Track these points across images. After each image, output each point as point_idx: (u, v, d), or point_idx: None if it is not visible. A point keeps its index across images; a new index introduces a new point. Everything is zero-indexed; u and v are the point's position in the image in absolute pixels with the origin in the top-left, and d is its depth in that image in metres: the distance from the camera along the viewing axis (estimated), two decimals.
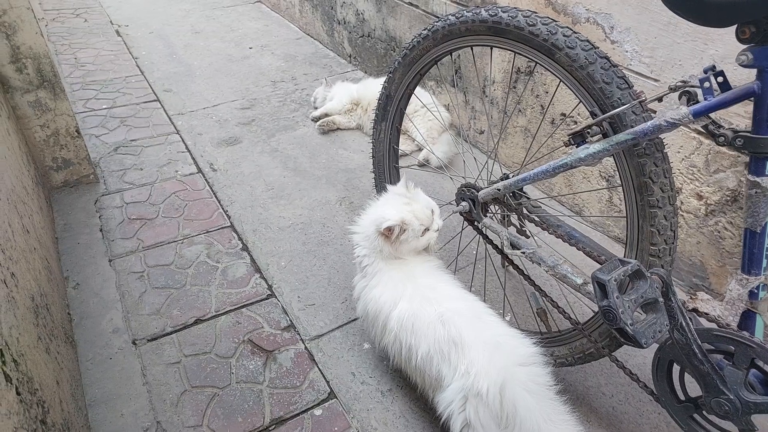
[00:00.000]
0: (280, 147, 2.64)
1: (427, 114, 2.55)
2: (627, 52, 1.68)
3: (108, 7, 4.59)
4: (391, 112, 1.63)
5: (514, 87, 2.20)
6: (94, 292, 1.79)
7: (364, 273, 1.33)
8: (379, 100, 1.64)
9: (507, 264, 1.42)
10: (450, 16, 1.31)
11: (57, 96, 2.07)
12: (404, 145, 2.55)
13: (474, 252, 1.94)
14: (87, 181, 2.29)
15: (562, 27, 1.10)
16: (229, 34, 4.04)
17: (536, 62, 1.16)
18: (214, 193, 2.30)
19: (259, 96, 3.14)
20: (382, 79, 2.78)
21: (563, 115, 2.01)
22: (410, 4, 2.68)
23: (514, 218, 1.39)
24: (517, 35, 1.16)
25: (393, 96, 1.59)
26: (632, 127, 0.98)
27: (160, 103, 3.05)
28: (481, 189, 1.33)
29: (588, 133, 1.05)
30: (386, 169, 1.73)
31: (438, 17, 2.50)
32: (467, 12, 1.26)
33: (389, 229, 1.21)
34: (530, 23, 1.13)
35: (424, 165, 2.46)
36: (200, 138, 2.70)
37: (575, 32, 1.09)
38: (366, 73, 3.35)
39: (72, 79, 3.28)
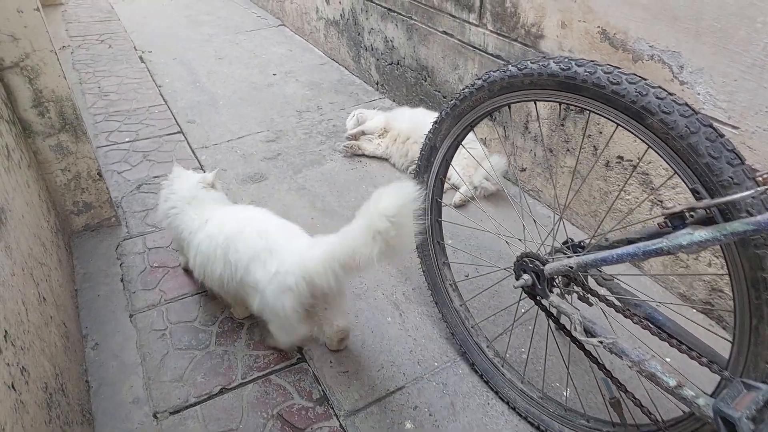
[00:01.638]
0: (308, 184, 2.51)
1: (461, 151, 2.39)
2: (699, 94, 1.51)
3: (132, 32, 4.56)
4: (435, 164, 1.48)
5: (562, 125, 2.04)
6: (114, 354, 1.66)
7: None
8: (422, 150, 1.50)
9: (560, 330, 1.25)
10: (510, 67, 1.16)
11: (79, 139, 1.97)
12: None
13: (524, 308, 1.78)
14: (108, 224, 2.19)
15: (653, 87, 0.94)
16: (253, 59, 3.96)
17: (618, 125, 1.00)
18: None
19: (285, 127, 3.02)
20: (417, 111, 2.68)
21: (620, 158, 1.84)
22: (444, 33, 2.55)
23: (576, 288, 1.22)
24: (595, 93, 1.01)
25: (438, 147, 1.44)
26: (751, 214, 0.82)
27: (183, 135, 2.95)
28: (548, 262, 1.17)
29: (690, 215, 0.88)
30: (427, 222, 1.58)
31: (475, 47, 2.37)
32: (532, 63, 1.11)
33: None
34: (613, 81, 0.97)
35: (462, 205, 2.30)
36: (225, 175, 2.59)
37: (670, 93, 0.93)
38: (394, 101, 3.21)
39: (95, 109, 3.21)
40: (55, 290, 1.52)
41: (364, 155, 2.68)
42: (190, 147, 2.84)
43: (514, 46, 2.14)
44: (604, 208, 1.95)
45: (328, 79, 3.62)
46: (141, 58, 4.01)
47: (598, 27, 1.76)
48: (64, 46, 4.18)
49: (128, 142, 2.88)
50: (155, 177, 2.56)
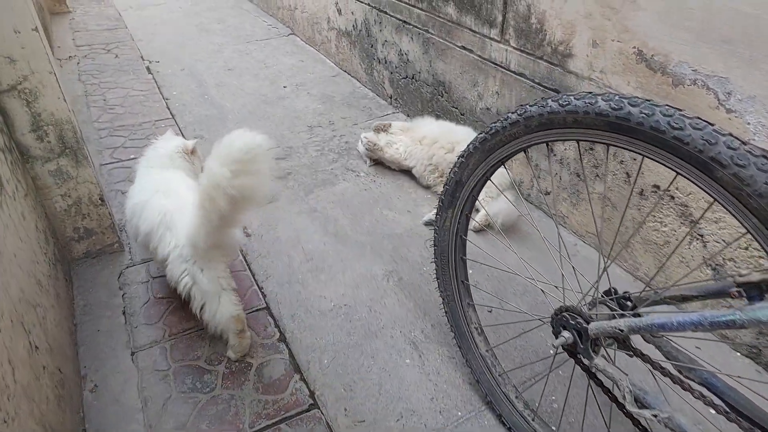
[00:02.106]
0: (320, 206, 2.40)
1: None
2: (749, 124, 1.38)
3: (139, 41, 4.48)
4: (460, 199, 1.36)
5: (591, 148, 1.91)
6: (114, 398, 1.55)
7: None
8: (446, 185, 1.38)
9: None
10: (551, 102, 1.04)
11: (79, 163, 1.87)
12: None
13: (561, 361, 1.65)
14: (111, 250, 2.09)
15: (723, 134, 0.81)
16: (263, 71, 3.86)
17: (679, 173, 0.88)
18: (248, 265, 2.07)
19: (296, 144, 2.92)
20: (439, 123, 2.57)
21: (656, 187, 1.71)
22: (463, 48, 2.43)
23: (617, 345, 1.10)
24: (652, 138, 0.88)
25: (465, 182, 1.32)
26: None
27: None
28: (592, 320, 1.05)
29: None
30: (451, 260, 1.46)
31: (496, 64, 2.25)
32: (576, 99, 0.99)
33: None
34: (675, 125, 0.85)
35: (482, 229, 2.18)
36: None
37: (743, 142, 0.80)
38: (408, 116, 3.10)
39: (100, 124, 3.12)
40: (50, 333, 1.42)
41: (381, 163, 2.58)
42: None
43: (539, 65, 2.01)
44: (651, 251, 1.82)
45: (340, 92, 3.51)
46: (148, 68, 3.93)
47: (634, 48, 1.63)
48: (70, 56, 4.11)
49: (133, 159, 2.78)
50: None
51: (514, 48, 2.12)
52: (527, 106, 1.10)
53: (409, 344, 1.72)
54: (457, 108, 2.62)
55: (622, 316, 1.03)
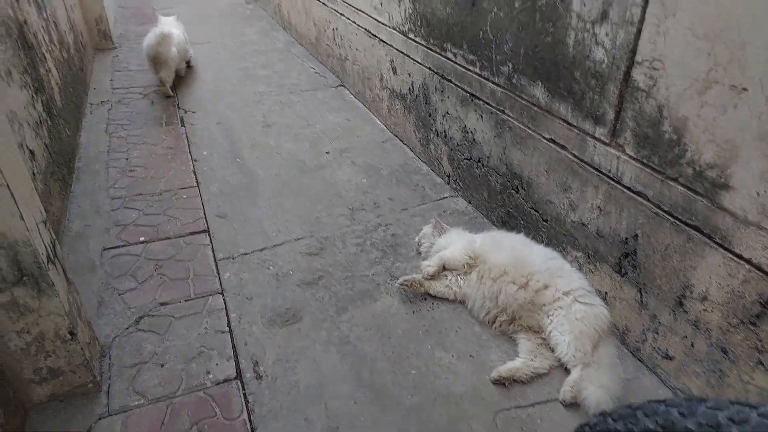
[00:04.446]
0: (353, 335, 1.87)
1: (575, 306, 1.69)
2: None
3: (179, 86, 4.16)
4: None
5: (754, 323, 1.30)
6: None
7: None
8: None
9: None
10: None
11: (43, 292, 1.42)
12: (528, 355, 1.70)
13: None
14: (83, 390, 1.62)
15: None
16: (305, 129, 3.42)
17: None
18: (252, 430, 1.55)
19: (332, 232, 2.42)
20: (517, 239, 2.01)
21: None
22: (552, 141, 1.88)
23: None
24: None
25: None
26: None
27: (209, 236, 2.40)
28: None
29: None
30: None
31: (600, 171, 1.68)
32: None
33: None
34: None
35: (572, 404, 1.58)
36: (249, 306, 2.00)
37: None
38: (470, 203, 2.55)
39: (116, 190, 2.73)
40: None
41: (428, 294, 2.01)
42: (214, 256, 2.28)
43: (673, 189, 1.43)
44: None
45: (390, 163, 3.01)
46: (182, 119, 3.57)
47: None
48: (102, 102, 3.81)
49: (142, 242, 2.35)
50: (162, 305, 2.00)
51: (630, 157, 1.55)
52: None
53: None
54: (537, 211, 2.05)
55: None
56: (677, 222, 1.44)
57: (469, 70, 2.30)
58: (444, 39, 2.43)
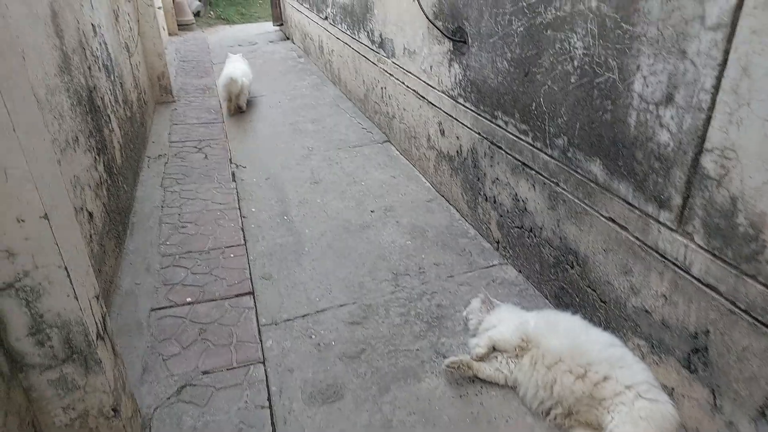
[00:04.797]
0: (396, 419, 1.78)
1: (638, 403, 1.55)
2: None
3: (232, 140, 4.31)
4: None
5: None
6: None
7: None
8: None
9: None
10: None
11: (90, 369, 1.43)
12: None
13: None
14: None
15: None
16: (351, 187, 3.44)
17: None
18: None
19: (375, 299, 2.37)
20: (574, 322, 1.88)
21: None
22: (611, 220, 1.78)
23: None
24: None
25: None
26: None
27: (253, 298, 2.40)
28: None
29: None
30: None
31: (666, 257, 1.57)
32: None
33: None
34: None
35: None
36: (290, 379, 1.95)
37: None
38: (521, 273, 2.45)
39: (167, 247, 2.79)
40: None
41: (477, 377, 1.91)
42: (257, 320, 2.26)
43: (749, 286, 1.31)
44: None
45: (435, 225, 2.96)
46: (233, 174, 3.67)
47: None
48: (160, 155, 3.98)
49: (189, 303, 2.37)
50: (204, 374, 1.98)
51: (700, 247, 1.44)
52: None
53: None
54: (594, 291, 1.94)
55: None
56: (756, 323, 1.31)
57: (520, 139, 2.25)
58: (495, 106, 2.40)
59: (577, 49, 1.81)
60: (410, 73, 3.36)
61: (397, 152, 3.92)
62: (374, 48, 4.00)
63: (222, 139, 4.33)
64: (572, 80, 1.86)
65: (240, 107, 4.83)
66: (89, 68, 2.70)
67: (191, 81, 6.02)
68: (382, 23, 3.71)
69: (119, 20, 3.85)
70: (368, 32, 4.07)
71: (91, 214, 2.27)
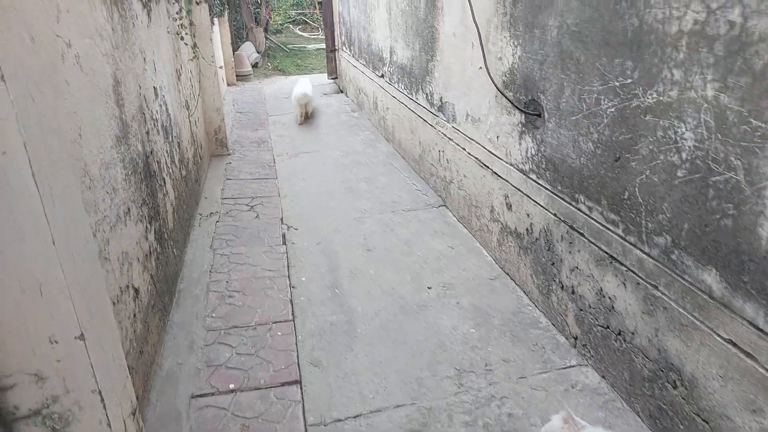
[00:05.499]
0: None
1: None
2: None
3: (284, 197, 4.23)
4: None
5: None
6: None
7: None
8: None
9: None
10: None
11: None
12: None
13: None
14: None
15: None
16: (405, 257, 3.23)
17: None
18: None
19: (436, 401, 2.10)
20: None
21: None
22: (731, 343, 1.48)
23: None
24: None
25: None
26: None
27: (300, 389, 2.18)
28: None
29: None
30: None
31: None
32: None
33: None
34: None
35: None
36: None
37: None
38: (605, 379, 2.14)
39: (213, 319, 2.64)
40: None
41: None
42: (304, 419, 2.03)
43: None
44: None
45: (501, 309, 2.69)
46: (284, 236, 3.54)
47: None
48: (211, 213, 3.92)
49: (232, 392, 2.18)
50: None
51: None
52: None
53: None
54: (707, 422, 1.61)
55: None
56: None
57: (608, 228, 2.00)
58: (576, 189, 2.17)
59: (685, 140, 1.57)
60: (472, 139, 3.18)
61: (455, 219, 3.71)
62: (433, 110, 3.87)
63: (274, 196, 4.26)
64: (679, 174, 1.61)
65: (308, 114, 6.46)
66: (147, 133, 2.65)
67: (246, 133, 6.08)
68: (443, 87, 3.58)
69: (181, 79, 3.89)
70: (427, 94, 3.95)
71: (137, 291, 2.15)
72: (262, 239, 3.53)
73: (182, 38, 3.89)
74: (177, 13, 3.80)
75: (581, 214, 2.16)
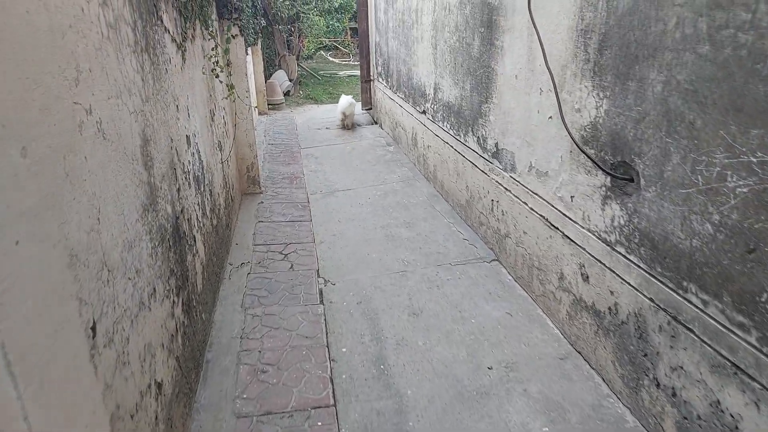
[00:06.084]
0: None
1: None
2: None
3: (320, 243, 3.93)
4: None
5: None
6: None
7: None
8: None
9: None
10: None
11: None
12: None
13: None
14: None
15: None
16: (458, 325, 2.87)
17: None
18: None
19: None
20: None
21: None
22: None
23: None
24: None
25: None
26: None
27: None
28: None
29: None
30: None
31: None
32: None
33: None
34: None
35: None
36: None
37: None
38: None
39: (243, 402, 2.32)
40: None
41: None
42: None
43: None
44: None
45: (577, 401, 2.30)
46: (321, 292, 3.23)
47: None
48: (242, 263, 3.64)
49: None
50: None
51: None
52: None
53: None
54: None
55: None
56: None
57: (731, 331, 1.61)
58: (684, 275, 1.79)
59: None
60: (536, 194, 2.83)
61: (511, 278, 3.33)
62: (485, 156, 3.53)
63: (309, 243, 3.96)
64: None
65: (351, 125, 7.43)
66: (178, 190, 2.39)
67: (278, 168, 5.85)
68: (500, 133, 3.25)
69: (215, 119, 3.66)
70: (479, 138, 3.62)
71: (160, 386, 1.84)
72: (297, 296, 3.22)
73: (217, 76, 3.67)
74: (212, 49, 3.58)
75: (690, 306, 1.77)
